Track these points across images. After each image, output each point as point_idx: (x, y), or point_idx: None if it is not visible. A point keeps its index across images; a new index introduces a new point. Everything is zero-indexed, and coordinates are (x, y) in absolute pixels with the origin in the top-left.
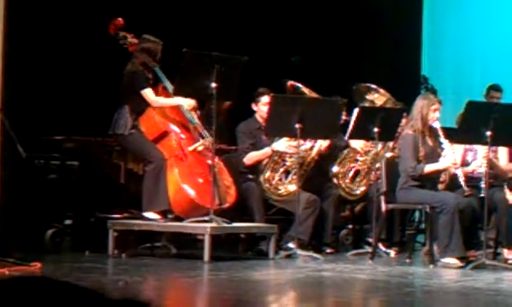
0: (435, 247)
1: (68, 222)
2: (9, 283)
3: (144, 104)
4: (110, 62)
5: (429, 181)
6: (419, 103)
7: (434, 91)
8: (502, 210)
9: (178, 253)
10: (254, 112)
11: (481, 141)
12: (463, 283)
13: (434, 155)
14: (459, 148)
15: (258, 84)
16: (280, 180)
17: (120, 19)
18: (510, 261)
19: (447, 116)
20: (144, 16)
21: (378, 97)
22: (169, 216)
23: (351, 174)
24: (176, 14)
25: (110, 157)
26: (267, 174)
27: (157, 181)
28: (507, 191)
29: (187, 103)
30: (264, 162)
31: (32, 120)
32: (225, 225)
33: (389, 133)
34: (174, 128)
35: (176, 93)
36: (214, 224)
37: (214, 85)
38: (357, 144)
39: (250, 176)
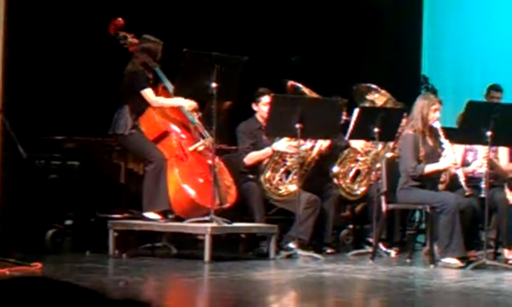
0: (435, 247)
1: (68, 222)
2: (10, 283)
3: (145, 104)
4: (110, 62)
5: (429, 181)
6: (419, 103)
7: (434, 91)
8: (502, 210)
9: (179, 253)
10: (254, 112)
11: (481, 141)
12: (463, 283)
13: (434, 155)
14: (460, 148)
15: (258, 84)
16: (281, 180)
17: (120, 19)
18: (510, 262)
19: (447, 116)
20: (144, 16)
21: (378, 97)
22: (170, 216)
23: (351, 174)
24: (177, 14)
25: (110, 157)
26: (268, 174)
27: (157, 182)
28: (507, 191)
29: (188, 104)
30: (265, 162)
31: (33, 120)
32: (226, 225)
33: (389, 133)
34: (174, 128)
35: (177, 93)
36: (214, 224)
37: (214, 85)
38: (357, 144)
39: (251, 176)
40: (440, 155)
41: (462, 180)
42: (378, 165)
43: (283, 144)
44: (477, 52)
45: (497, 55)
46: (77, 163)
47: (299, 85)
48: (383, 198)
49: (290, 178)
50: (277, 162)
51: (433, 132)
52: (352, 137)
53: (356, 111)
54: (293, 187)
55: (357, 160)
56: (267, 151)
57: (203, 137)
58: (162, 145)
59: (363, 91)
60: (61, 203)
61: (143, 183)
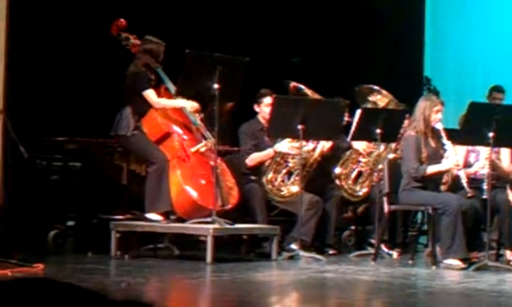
0: (438, 249)
1: (70, 223)
2: (12, 285)
3: (147, 105)
4: (112, 63)
5: (431, 182)
6: (421, 105)
7: (436, 93)
8: (504, 212)
9: (181, 254)
10: (256, 113)
11: (483, 142)
12: (465, 284)
13: (436, 157)
14: (462, 149)
15: (260, 85)
16: (283, 181)
17: (123, 20)
18: None
19: (449, 117)
20: (146, 17)
21: (380, 98)
22: (172, 217)
23: (353, 175)
24: (179, 15)
25: (112, 158)
26: (270, 175)
27: (159, 183)
28: (509, 192)
29: (190, 105)
30: (267, 163)
31: (35, 121)
32: (228, 226)
33: (391, 134)
34: (176, 129)
35: (179, 94)
36: (216, 226)
37: (216, 86)
38: (359, 145)
39: (253, 178)
40: (442, 157)
41: (464, 181)
42: (380, 166)
43: (285, 146)
44: (479, 53)
45: (499, 57)
46: (78, 164)
47: (302, 86)
48: (385, 199)
49: (292, 179)
50: (279, 163)
51: (435, 133)
52: (354, 138)
53: (358, 112)
54: (295, 188)
55: (359, 162)
56: (269, 152)
57: (205, 138)
58: (164, 146)
59: (365, 92)
60: (63, 204)
61: (145, 184)
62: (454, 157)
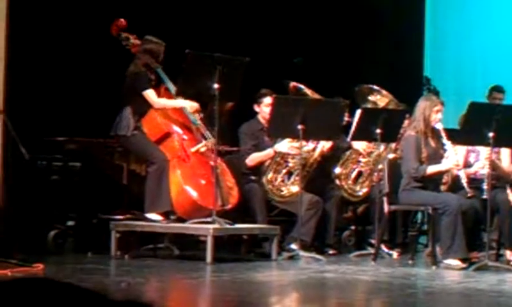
0: (438, 249)
1: (70, 223)
2: (12, 285)
3: (147, 105)
4: (112, 63)
5: (431, 182)
6: (421, 105)
7: (436, 92)
8: (504, 212)
9: (181, 254)
10: (256, 113)
11: (483, 142)
12: (465, 284)
13: (436, 157)
14: (462, 149)
15: (260, 85)
16: (283, 181)
17: (123, 20)
18: None
19: (449, 117)
20: (146, 17)
21: (380, 98)
22: (172, 217)
23: (353, 175)
24: (179, 15)
25: (112, 158)
26: (270, 175)
27: (159, 183)
28: (509, 192)
29: (190, 105)
30: (267, 163)
31: (35, 121)
32: (228, 226)
33: (391, 134)
34: (176, 129)
35: (179, 94)
36: (216, 226)
37: (216, 86)
38: (359, 145)
39: (253, 178)
40: (442, 157)
41: (464, 181)
42: (380, 166)
43: (285, 146)
44: (479, 53)
45: (499, 57)
46: (78, 164)
47: (302, 86)
48: (385, 199)
49: (292, 179)
50: (279, 163)
51: (435, 133)
52: (354, 138)
53: (358, 112)
54: (295, 188)
55: (359, 162)
56: (269, 152)
57: (205, 138)
58: (164, 146)
59: (365, 92)
60: (63, 204)
61: (145, 184)
62: (454, 157)
